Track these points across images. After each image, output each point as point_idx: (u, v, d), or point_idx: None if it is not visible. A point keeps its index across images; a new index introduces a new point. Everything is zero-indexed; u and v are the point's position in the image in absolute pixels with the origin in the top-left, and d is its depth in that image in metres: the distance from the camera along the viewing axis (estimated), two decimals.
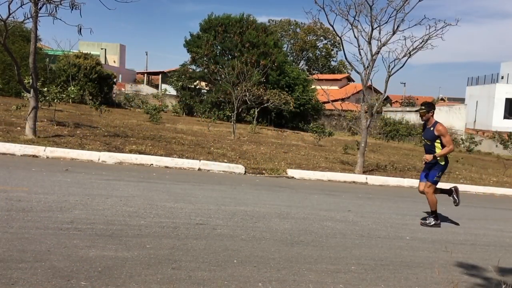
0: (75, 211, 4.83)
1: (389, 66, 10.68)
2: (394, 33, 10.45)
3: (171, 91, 34.59)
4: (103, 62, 35.48)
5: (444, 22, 10.38)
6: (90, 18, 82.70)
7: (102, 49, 44.40)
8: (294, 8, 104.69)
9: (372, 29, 10.54)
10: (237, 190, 7.28)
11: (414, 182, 10.64)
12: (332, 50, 59.29)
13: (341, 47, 11.39)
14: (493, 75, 40.73)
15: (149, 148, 9.92)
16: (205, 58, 27.26)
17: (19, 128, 10.11)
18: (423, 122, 6.46)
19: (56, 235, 4.02)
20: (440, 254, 4.93)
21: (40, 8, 8.93)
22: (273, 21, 59.09)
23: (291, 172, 9.68)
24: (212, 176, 8.42)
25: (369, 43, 10.60)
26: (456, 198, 6.55)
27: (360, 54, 10.66)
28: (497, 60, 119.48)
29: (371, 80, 11.02)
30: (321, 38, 57.07)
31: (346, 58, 26.37)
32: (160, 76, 46.65)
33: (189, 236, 4.48)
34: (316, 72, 54.85)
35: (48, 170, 6.91)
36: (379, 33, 10.56)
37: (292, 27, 59.34)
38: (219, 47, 28.13)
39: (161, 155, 9.22)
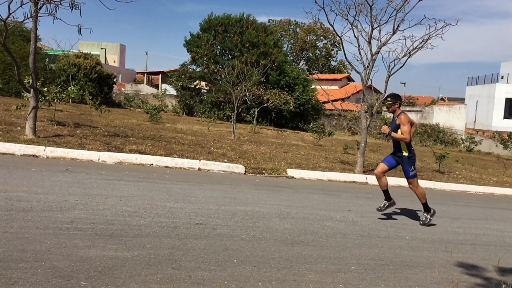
0: (75, 211, 4.83)
1: (389, 66, 10.69)
2: (394, 33, 10.45)
3: (171, 91, 34.59)
4: (103, 62, 35.49)
5: (444, 22, 10.40)
6: (90, 18, 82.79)
7: (102, 49, 44.41)
8: (294, 8, 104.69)
9: (372, 29, 10.55)
10: (237, 190, 7.28)
11: None
12: (332, 50, 59.26)
13: (341, 47, 11.40)
14: (493, 75, 40.78)
15: (149, 148, 9.92)
16: (205, 58, 27.26)
17: (19, 128, 10.11)
18: (390, 113, 6.47)
19: (56, 235, 4.02)
20: (440, 254, 4.93)
21: (40, 8, 8.93)
22: (273, 21, 59.07)
23: (291, 172, 9.68)
24: (212, 176, 8.42)
25: (369, 43, 10.60)
26: (384, 207, 6.35)
27: (360, 54, 10.67)
28: (497, 60, 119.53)
29: (371, 80, 11.04)
30: (321, 38, 57.05)
31: (346, 58, 26.39)
32: (160, 76, 46.62)
33: (189, 236, 4.48)
34: (316, 72, 54.85)
35: (48, 170, 6.91)
36: (379, 33, 10.57)
37: (292, 27, 59.32)
38: (219, 47, 28.13)
39: (161, 155, 9.22)
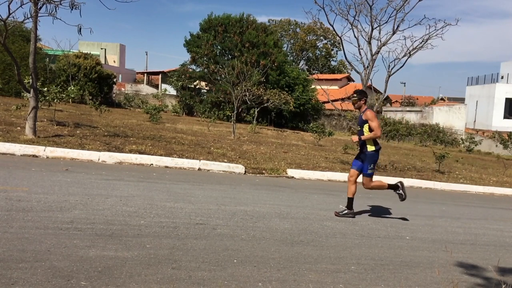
0: (75, 211, 4.83)
1: (389, 66, 10.70)
2: (394, 33, 10.46)
3: (171, 91, 34.60)
4: (103, 62, 35.51)
5: (444, 22, 10.41)
6: (90, 18, 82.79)
7: (102, 49, 44.43)
8: (294, 8, 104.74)
9: (372, 29, 10.55)
10: (237, 190, 7.28)
11: (414, 182, 10.65)
12: (332, 50, 59.28)
13: (341, 47, 11.40)
14: (493, 75, 40.79)
15: (149, 148, 9.92)
16: (205, 58, 27.26)
17: (19, 128, 10.11)
18: (356, 109, 6.44)
19: (56, 235, 4.02)
20: (440, 254, 4.93)
21: (40, 8, 8.93)
22: (273, 21, 59.09)
23: (291, 172, 9.68)
24: (212, 176, 8.42)
25: (369, 43, 10.60)
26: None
27: (360, 54, 10.68)
28: (497, 60, 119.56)
29: (371, 80, 11.04)
30: (321, 38, 57.06)
31: (346, 58, 26.41)
32: (160, 76, 46.62)
33: (189, 236, 4.48)
34: (316, 72, 54.86)
35: (48, 170, 6.91)
36: (379, 33, 10.58)
37: (292, 27, 59.32)
38: (219, 47, 28.13)
39: (161, 155, 9.21)
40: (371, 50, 10.63)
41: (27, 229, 4.08)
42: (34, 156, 8.04)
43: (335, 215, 6.22)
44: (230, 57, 27.59)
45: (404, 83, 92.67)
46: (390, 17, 10.48)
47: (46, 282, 3.07)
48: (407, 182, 10.57)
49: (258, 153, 11.81)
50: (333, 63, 60.87)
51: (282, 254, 4.28)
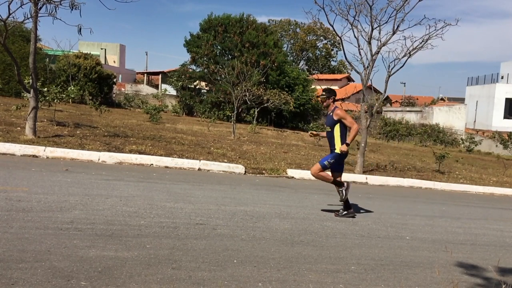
0: (75, 211, 4.83)
1: (389, 66, 10.70)
2: (394, 33, 10.46)
3: (171, 91, 34.60)
4: (103, 62, 35.51)
5: (444, 22, 10.42)
6: (90, 18, 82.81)
7: (102, 49, 44.44)
8: (294, 8, 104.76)
9: (372, 29, 10.55)
10: (237, 190, 7.28)
11: (414, 182, 10.66)
12: (332, 50, 59.29)
13: (341, 47, 11.40)
14: (493, 75, 40.82)
15: (149, 148, 9.92)
16: (205, 58, 27.25)
17: (19, 128, 10.11)
18: (324, 108, 6.36)
19: (56, 235, 4.02)
20: (440, 254, 4.93)
21: (40, 8, 8.94)
22: (273, 21, 59.09)
23: (291, 172, 9.68)
24: (212, 176, 8.42)
25: (369, 43, 10.60)
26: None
27: (360, 54, 10.68)
28: (497, 60, 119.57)
29: (371, 80, 11.04)
30: (321, 38, 57.06)
31: (346, 58, 26.43)
32: (160, 76, 46.64)
33: (189, 236, 4.48)
34: (316, 72, 54.87)
35: (48, 170, 6.91)
36: (379, 33, 10.58)
37: (292, 27, 59.33)
38: (219, 47, 28.13)
39: (161, 155, 9.22)
40: (371, 50, 10.63)
41: (27, 229, 4.08)
42: (34, 156, 8.04)
43: (335, 215, 6.20)
44: (230, 57, 27.59)
45: (404, 83, 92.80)
46: (390, 17, 10.49)
47: (46, 282, 3.07)
48: (407, 182, 10.58)
49: (258, 153, 11.81)
50: (333, 63, 60.92)
51: (282, 254, 4.28)
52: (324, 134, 6.27)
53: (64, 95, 12.40)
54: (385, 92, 11.23)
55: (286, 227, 5.30)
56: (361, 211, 6.87)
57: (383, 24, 10.52)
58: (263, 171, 9.48)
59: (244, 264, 3.87)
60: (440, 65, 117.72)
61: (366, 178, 10.25)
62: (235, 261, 3.93)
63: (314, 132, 6.72)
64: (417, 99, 48.78)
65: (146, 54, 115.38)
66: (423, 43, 10.43)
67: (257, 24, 28.97)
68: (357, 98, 34.84)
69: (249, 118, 24.48)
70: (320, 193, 8.18)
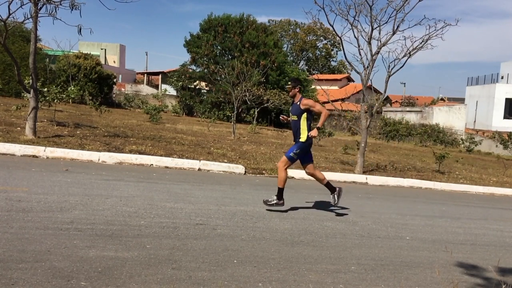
0: (75, 212, 4.83)
1: (389, 66, 10.69)
2: (394, 33, 10.45)
3: (171, 91, 34.60)
4: (103, 62, 35.51)
5: (444, 22, 10.40)
6: (90, 18, 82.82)
7: (102, 49, 44.44)
8: (294, 8, 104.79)
9: (372, 29, 10.55)
10: (237, 190, 7.28)
11: (415, 182, 10.65)
12: (332, 50, 59.31)
13: (341, 47, 11.39)
14: (493, 75, 40.81)
15: (149, 148, 9.92)
16: (205, 58, 27.26)
17: (19, 128, 10.11)
18: (290, 97, 6.28)
19: (56, 235, 4.02)
20: (440, 254, 4.93)
21: (40, 8, 8.94)
22: (273, 21, 59.15)
23: (291, 172, 9.67)
24: (212, 176, 8.42)
25: (369, 43, 10.60)
26: (336, 199, 6.25)
27: (360, 54, 10.67)
28: (497, 60, 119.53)
29: (371, 80, 11.03)
30: (321, 38, 57.08)
31: (346, 58, 26.39)
32: (160, 76, 46.65)
33: (189, 236, 4.48)
34: (316, 72, 54.91)
35: (48, 170, 6.91)
36: (379, 33, 10.57)
37: (292, 27, 59.36)
38: (219, 47, 28.13)
39: (161, 155, 9.22)
40: (371, 50, 10.63)
41: (27, 229, 4.08)
42: (34, 156, 8.04)
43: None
44: (230, 57, 27.60)
45: (404, 83, 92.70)
46: (390, 17, 10.47)
47: (46, 282, 3.07)
48: (407, 182, 10.57)
49: (258, 153, 11.81)
50: (333, 63, 60.95)
51: (282, 254, 4.28)
52: (321, 122, 6.05)
53: (64, 95, 12.40)
54: (385, 92, 11.23)
55: (286, 227, 5.30)
56: (361, 211, 6.86)
57: (383, 24, 10.52)
58: (263, 171, 9.48)
59: (244, 264, 3.87)
60: (440, 65, 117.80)
61: (366, 178, 10.24)
62: (235, 261, 3.93)
63: (285, 117, 6.46)
64: (417, 99, 48.76)
65: (146, 54, 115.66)
66: (423, 43, 10.42)
67: (257, 24, 28.98)
68: (357, 98, 34.84)
69: (249, 118, 24.49)
70: (320, 193, 8.17)
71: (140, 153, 9.23)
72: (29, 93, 9.51)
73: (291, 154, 5.95)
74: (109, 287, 3.12)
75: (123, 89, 35.53)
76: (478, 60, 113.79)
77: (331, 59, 60.42)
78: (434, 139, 29.72)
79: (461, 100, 44.23)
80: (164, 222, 4.86)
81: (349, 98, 38.27)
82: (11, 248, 3.58)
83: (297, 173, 9.67)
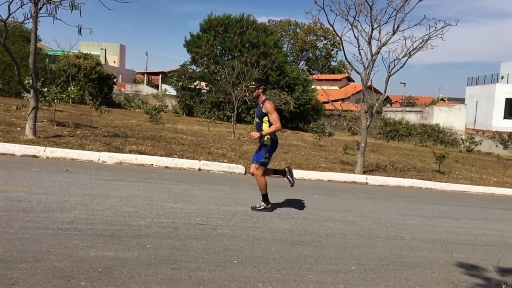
0: (75, 212, 4.83)
1: (389, 66, 10.69)
2: (394, 33, 10.45)
3: (171, 91, 34.60)
4: (103, 62, 35.50)
5: (444, 22, 10.39)
6: (90, 18, 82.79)
7: (102, 49, 44.44)
8: (294, 8, 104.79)
9: (372, 29, 10.54)
10: (237, 190, 7.27)
11: (415, 182, 10.65)
12: (332, 50, 59.31)
13: (341, 47, 11.39)
14: (493, 75, 40.81)
15: (149, 148, 9.92)
16: (205, 58, 27.26)
17: (19, 128, 10.11)
18: (254, 98, 6.14)
19: (56, 235, 4.02)
20: (440, 254, 4.93)
21: (40, 8, 8.93)
22: (273, 21, 59.14)
23: None
24: (212, 176, 8.42)
25: (369, 43, 10.60)
26: (290, 179, 6.08)
27: (360, 54, 10.66)
28: (497, 60, 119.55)
29: (371, 80, 11.03)
30: (321, 38, 57.08)
31: (346, 58, 26.39)
32: (160, 76, 46.66)
33: (189, 236, 4.48)
34: (316, 72, 54.89)
35: (48, 171, 6.91)
36: (379, 33, 10.56)
37: (292, 27, 59.35)
38: (219, 47, 28.13)
39: (161, 155, 9.21)
40: (371, 50, 10.62)
41: (27, 229, 4.08)
42: (34, 156, 8.04)
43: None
44: (230, 57, 27.59)
45: (404, 84, 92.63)
46: (390, 17, 10.47)
47: (46, 282, 3.07)
48: (407, 182, 10.57)
49: None
50: (333, 63, 60.95)
51: (282, 254, 4.28)
52: (269, 130, 5.84)
53: (64, 95, 12.39)
54: (385, 92, 11.22)
55: (286, 227, 5.29)
56: (361, 211, 6.86)
57: (383, 24, 10.51)
58: None
59: (244, 264, 3.87)
60: (440, 65, 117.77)
61: (366, 178, 10.24)
62: (235, 261, 3.93)
63: (255, 133, 5.98)
64: (417, 99, 48.74)
65: (146, 54, 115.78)
66: (423, 43, 10.42)
67: (257, 24, 28.98)
68: (357, 98, 34.84)
69: (249, 118, 24.49)
70: (320, 193, 8.18)
71: (140, 153, 9.23)
72: (29, 93, 9.50)
73: (262, 160, 5.84)
74: (109, 287, 3.12)
75: (123, 89, 35.55)
76: (478, 60, 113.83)
77: (331, 59, 60.44)
78: (434, 139, 29.73)
79: (461, 100, 44.23)
80: (164, 222, 4.86)
81: (349, 98, 38.28)
82: (11, 248, 3.58)
83: (297, 173, 9.66)
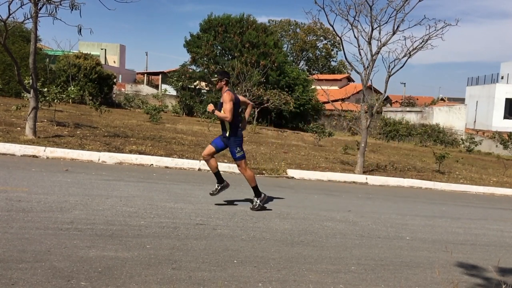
0: (75, 212, 4.83)
1: (389, 66, 10.69)
2: (394, 33, 10.45)
3: (171, 91, 34.57)
4: (103, 62, 35.49)
5: (444, 22, 10.39)
6: (90, 18, 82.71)
7: (102, 49, 44.41)
8: (294, 8, 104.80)
9: (372, 29, 10.54)
10: (237, 190, 7.27)
11: (415, 182, 10.65)
12: (332, 50, 59.28)
13: (341, 47, 11.39)
14: (493, 75, 40.80)
15: (149, 148, 9.92)
16: (205, 58, 27.24)
17: (19, 128, 10.11)
18: (217, 90, 6.22)
19: (56, 235, 4.02)
20: (440, 254, 4.93)
21: (40, 8, 8.94)
22: (273, 21, 59.10)
23: (291, 172, 9.68)
24: (212, 176, 8.40)
25: (369, 43, 10.60)
26: (217, 191, 6.00)
27: (360, 54, 10.66)
28: (497, 60, 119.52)
29: (371, 80, 11.03)
30: (321, 38, 57.05)
31: (346, 58, 26.41)
32: (160, 76, 46.64)
33: (189, 236, 4.48)
34: (316, 72, 54.85)
35: (48, 171, 6.91)
36: (379, 33, 10.56)
37: (292, 27, 59.32)
38: (219, 47, 28.11)
39: (161, 155, 9.22)
40: (371, 50, 10.62)
41: (27, 229, 4.08)
42: (34, 156, 8.04)
43: (210, 194, 5.94)
44: (230, 57, 27.57)
45: (404, 83, 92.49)
46: (390, 17, 10.47)
47: (46, 282, 3.07)
48: (407, 182, 10.57)
49: (258, 154, 11.81)
50: (333, 63, 60.92)
51: (282, 254, 4.28)
52: (219, 113, 5.90)
53: (64, 95, 12.39)
54: (385, 92, 11.22)
55: (286, 227, 5.29)
56: (361, 211, 6.85)
57: (383, 24, 10.51)
58: (263, 171, 9.48)
59: (244, 264, 3.87)
60: (440, 65, 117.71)
61: (366, 178, 10.24)
62: (235, 261, 3.93)
63: (211, 106, 6.10)
64: (417, 99, 48.74)
65: (146, 54, 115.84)
66: (423, 43, 10.42)
67: (257, 24, 28.96)
68: (357, 98, 34.83)
69: (249, 118, 24.45)
70: (320, 193, 8.18)
71: (140, 153, 9.23)
72: (29, 93, 9.51)
73: (238, 155, 5.91)
74: (109, 287, 3.12)
75: (123, 89, 35.52)
76: (478, 60, 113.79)
77: (331, 59, 60.41)
78: (434, 139, 29.72)
79: (461, 100, 44.22)
80: (164, 222, 4.86)
81: (349, 98, 38.26)
82: (11, 248, 3.58)
83: (297, 173, 9.68)
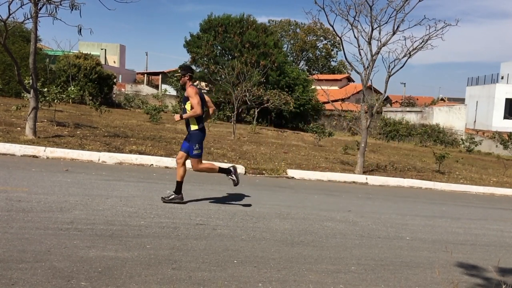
0: (75, 212, 4.83)
1: (389, 66, 10.68)
2: (394, 33, 10.45)
3: (171, 91, 34.60)
4: (103, 62, 35.48)
5: (444, 22, 10.39)
6: (90, 18, 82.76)
7: (102, 49, 44.41)
8: (294, 8, 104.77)
9: (372, 29, 10.54)
10: (237, 190, 7.27)
11: (415, 182, 10.65)
12: (332, 50, 59.26)
13: (341, 47, 11.39)
14: (493, 75, 40.78)
15: (149, 148, 9.92)
16: (205, 59, 27.25)
17: (19, 128, 10.11)
18: (181, 86, 6.18)
19: (56, 235, 4.02)
20: (440, 254, 4.93)
21: (40, 8, 8.94)
22: (273, 21, 59.10)
23: (291, 172, 9.68)
24: (212, 176, 8.41)
25: (369, 43, 10.60)
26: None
27: (360, 54, 10.66)
28: (497, 60, 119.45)
29: (371, 80, 11.02)
30: (321, 38, 57.04)
31: (346, 58, 26.42)
32: (160, 76, 46.66)
33: (189, 236, 4.48)
34: (316, 72, 54.84)
35: (48, 171, 6.91)
36: (379, 33, 10.56)
37: (292, 27, 59.32)
38: (219, 47, 28.12)
39: (161, 156, 9.21)
40: (371, 50, 10.62)
41: (27, 229, 4.08)
42: (34, 156, 8.04)
43: (163, 201, 5.71)
44: (230, 57, 27.57)
45: (404, 84, 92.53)
46: (390, 17, 10.47)
47: (46, 282, 3.07)
48: (407, 182, 10.57)
49: (258, 154, 11.81)
50: (333, 63, 60.89)
51: (282, 254, 4.28)
52: (188, 114, 5.88)
53: (64, 96, 12.39)
54: (385, 92, 11.22)
55: (286, 227, 5.30)
56: (361, 211, 6.86)
57: (383, 24, 10.51)
58: (263, 172, 9.48)
59: (244, 265, 3.87)
60: (440, 65, 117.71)
61: (366, 179, 10.24)
62: (235, 261, 3.93)
63: (178, 116, 6.00)
64: (417, 99, 48.74)
65: (146, 54, 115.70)
66: (423, 43, 10.42)
67: (257, 24, 28.98)
68: (357, 99, 34.84)
69: (249, 119, 24.48)
70: (320, 193, 8.18)
71: (140, 153, 9.23)
72: (29, 93, 9.50)
73: (194, 152, 5.79)
74: (109, 287, 3.12)
75: (123, 89, 35.53)
76: (478, 60, 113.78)
77: (331, 59, 60.39)
78: (434, 139, 29.72)
79: (461, 100, 44.22)
80: (164, 222, 4.86)
81: (349, 98, 38.26)
82: (11, 248, 3.58)
83: (297, 173, 9.68)
